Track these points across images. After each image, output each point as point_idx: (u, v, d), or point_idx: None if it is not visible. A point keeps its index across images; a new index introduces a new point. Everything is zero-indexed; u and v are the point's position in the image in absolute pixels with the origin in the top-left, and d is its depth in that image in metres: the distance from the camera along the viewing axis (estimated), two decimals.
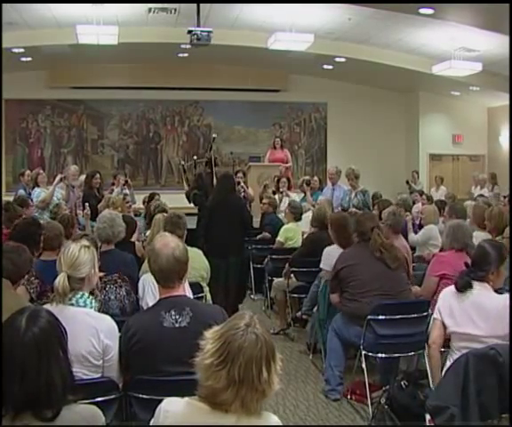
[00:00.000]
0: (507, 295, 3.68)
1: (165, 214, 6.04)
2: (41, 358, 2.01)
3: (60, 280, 3.05)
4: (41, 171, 9.49)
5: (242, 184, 10.29)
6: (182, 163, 12.86)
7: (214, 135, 13.23)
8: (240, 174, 10.74)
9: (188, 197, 10.25)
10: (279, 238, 7.99)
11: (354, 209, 8.72)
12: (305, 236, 7.50)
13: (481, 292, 3.69)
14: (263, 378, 2.02)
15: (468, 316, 3.67)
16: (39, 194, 8.68)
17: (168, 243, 3.19)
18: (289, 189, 11.55)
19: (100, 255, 4.30)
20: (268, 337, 2.09)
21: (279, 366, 2.09)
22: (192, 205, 10.10)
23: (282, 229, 8.05)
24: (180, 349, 2.93)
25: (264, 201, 9.64)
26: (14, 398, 1.95)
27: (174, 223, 5.31)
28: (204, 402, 2.08)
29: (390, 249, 4.97)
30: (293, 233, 7.94)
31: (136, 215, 9.12)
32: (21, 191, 9.53)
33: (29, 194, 9.02)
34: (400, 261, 4.94)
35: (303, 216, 8.30)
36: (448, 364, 3.67)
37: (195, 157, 13.25)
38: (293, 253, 7.10)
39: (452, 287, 3.82)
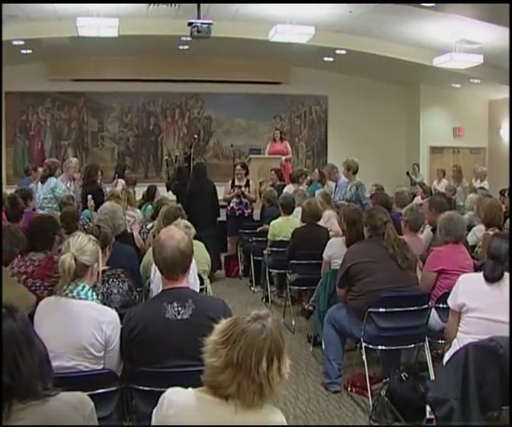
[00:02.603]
0: None
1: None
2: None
3: (67, 258, 3.08)
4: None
5: (242, 190, 10.04)
6: (166, 157, 12.98)
7: (195, 136, 14.49)
8: (238, 167, 10.35)
9: (168, 187, 10.75)
10: (268, 236, 7.94)
11: (345, 202, 8.58)
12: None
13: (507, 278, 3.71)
14: (261, 369, 2.03)
15: (492, 299, 3.68)
16: (65, 190, 8.39)
17: (173, 235, 3.18)
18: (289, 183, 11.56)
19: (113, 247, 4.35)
20: (277, 334, 2.10)
21: (285, 371, 2.09)
22: (171, 193, 10.62)
23: (270, 227, 7.95)
24: (182, 341, 2.94)
25: (262, 195, 9.72)
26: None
27: (178, 216, 5.38)
28: (207, 392, 2.10)
29: (402, 247, 4.82)
30: (279, 228, 7.79)
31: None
32: (32, 186, 9.43)
33: (42, 182, 8.62)
34: (409, 262, 4.80)
35: (295, 211, 8.10)
36: (451, 353, 3.67)
37: (177, 154, 13.32)
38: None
39: (478, 276, 3.82)
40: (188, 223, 4.95)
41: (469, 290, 3.80)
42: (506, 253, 3.76)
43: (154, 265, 4.46)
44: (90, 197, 7.70)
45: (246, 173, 10.27)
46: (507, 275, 3.71)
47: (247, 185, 10.16)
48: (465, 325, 3.77)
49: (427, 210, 6.43)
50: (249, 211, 10.24)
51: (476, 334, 3.58)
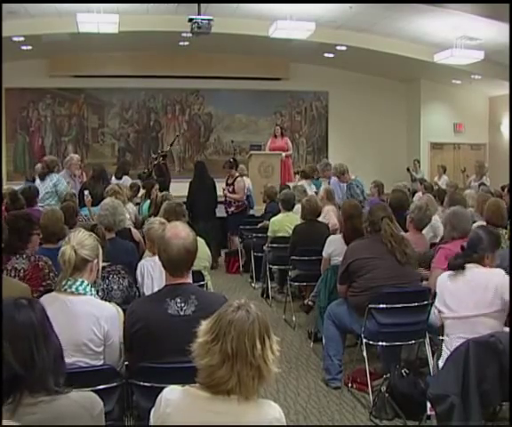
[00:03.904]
0: (499, 270, 3.73)
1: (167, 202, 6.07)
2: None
3: (67, 250, 3.10)
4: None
5: (226, 192, 10.40)
6: (154, 156, 13.01)
7: (178, 134, 15.12)
8: (227, 169, 10.58)
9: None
10: (268, 233, 7.92)
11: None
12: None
13: (472, 269, 3.74)
14: (257, 352, 2.04)
15: (459, 296, 3.71)
16: (66, 186, 8.38)
17: (179, 233, 3.14)
18: (289, 179, 11.60)
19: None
20: (262, 316, 2.11)
21: (276, 347, 2.11)
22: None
23: (270, 223, 7.94)
24: (184, 337, 2.92)
25: (261, 191, 9.78)
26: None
27: (178, 212, 5.38)
28: (205, 389, 2.09)
29: (400, 242, 4.81)
30: (279, 225, 7.78)
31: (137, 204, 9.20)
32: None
33: (42, 179, 8.44)
34: (408, 256, 4.78)
35: (295, 207, 8.09)
36: (446, 353, 3.68)
37: (159, 151, 13.26)
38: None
39: (445, 273, 3.87)
40: (164, 220, 4.96)
41: (441, 292, 3.84)
42: (472, 245, 3.82)
43: (139, 270, 4.50)
44: (86, 192, 7.68)
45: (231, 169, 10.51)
46: (470, 266, 3.74)
47: (233, 184, 10.30)
48: (446, 327, 3.82)
49: (445, 207, 6.43)
50: (232, 209, 10.34)
51: (455, 335, 3.66)
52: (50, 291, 3.81)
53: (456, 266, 3.75)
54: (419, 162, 15.93)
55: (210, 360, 2.04)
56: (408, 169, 15.58)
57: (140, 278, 4.51)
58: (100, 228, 4.59)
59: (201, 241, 5.47)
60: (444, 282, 3.83)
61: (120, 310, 3.35)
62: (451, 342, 3.69)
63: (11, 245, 4.28)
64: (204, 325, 2.12)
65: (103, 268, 3.88)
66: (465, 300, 3.68)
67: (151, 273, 4.48)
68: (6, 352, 1.97)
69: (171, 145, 13.77)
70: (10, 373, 1.96)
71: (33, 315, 2.07)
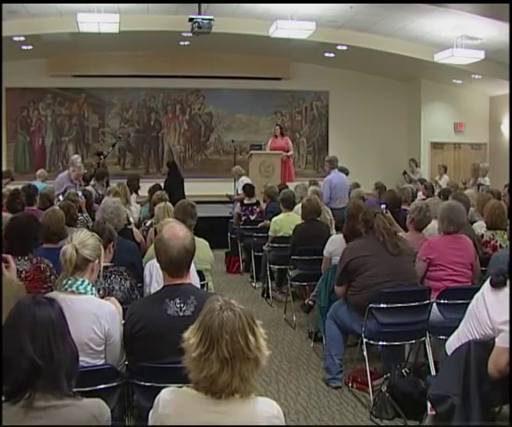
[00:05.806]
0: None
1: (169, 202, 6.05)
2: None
3: (69, 249, 3.11)
4: None
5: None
6: (104, 154, 13.02)
7: (120, 136, 15.33)
8: None
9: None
10: (269, 233, 7.93)
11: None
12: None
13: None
14: (251, 344, 2.04)
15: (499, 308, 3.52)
16: None
17: (176, 233, 3.14)
18: (290, 178, 11.62)
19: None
20: (244, 308, 2.11)
21: (262, 330, 2.11)
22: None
23: (271, 223, 7.96)
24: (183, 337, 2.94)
25: (262, 190, 9.82)
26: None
27: (188, 212, 5.32)
28: (204, 392, 2.09)
29: (392, 235, 4.84)
30: (281, 224, 7.79)
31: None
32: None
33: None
34: (400, 249, 4.80)
35: (296, 207, 8.12)
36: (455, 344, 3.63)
37: (104, 152, 13.19)
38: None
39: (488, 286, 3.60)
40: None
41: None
42: None
43: (148, 269, 4.48)
44: (80, 193, 7.71)
45: None
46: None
47: None
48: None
49: None
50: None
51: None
52: None
53: (499, 284, 3.41)
54: (415, 161, 15.64)
55: (209, 370, 2.03)
56: (405, 173, 15.29)
57: (148, 278, 4.47)
58: (108, 225, 4.59)
59: (205, 243, 5.45)
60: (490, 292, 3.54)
61: (118, 304, 3.39)
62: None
63: (18, 245, 4.26)
64: (192, 339, 2.08)
65: (106, 267, 3.88)
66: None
67: (160, 275, 4.47)
68: (26, 345, 2.02)
69: (112, 146, 14.01)
70: (28, 364, 2.00)
71: (52, 312, 2.13)
